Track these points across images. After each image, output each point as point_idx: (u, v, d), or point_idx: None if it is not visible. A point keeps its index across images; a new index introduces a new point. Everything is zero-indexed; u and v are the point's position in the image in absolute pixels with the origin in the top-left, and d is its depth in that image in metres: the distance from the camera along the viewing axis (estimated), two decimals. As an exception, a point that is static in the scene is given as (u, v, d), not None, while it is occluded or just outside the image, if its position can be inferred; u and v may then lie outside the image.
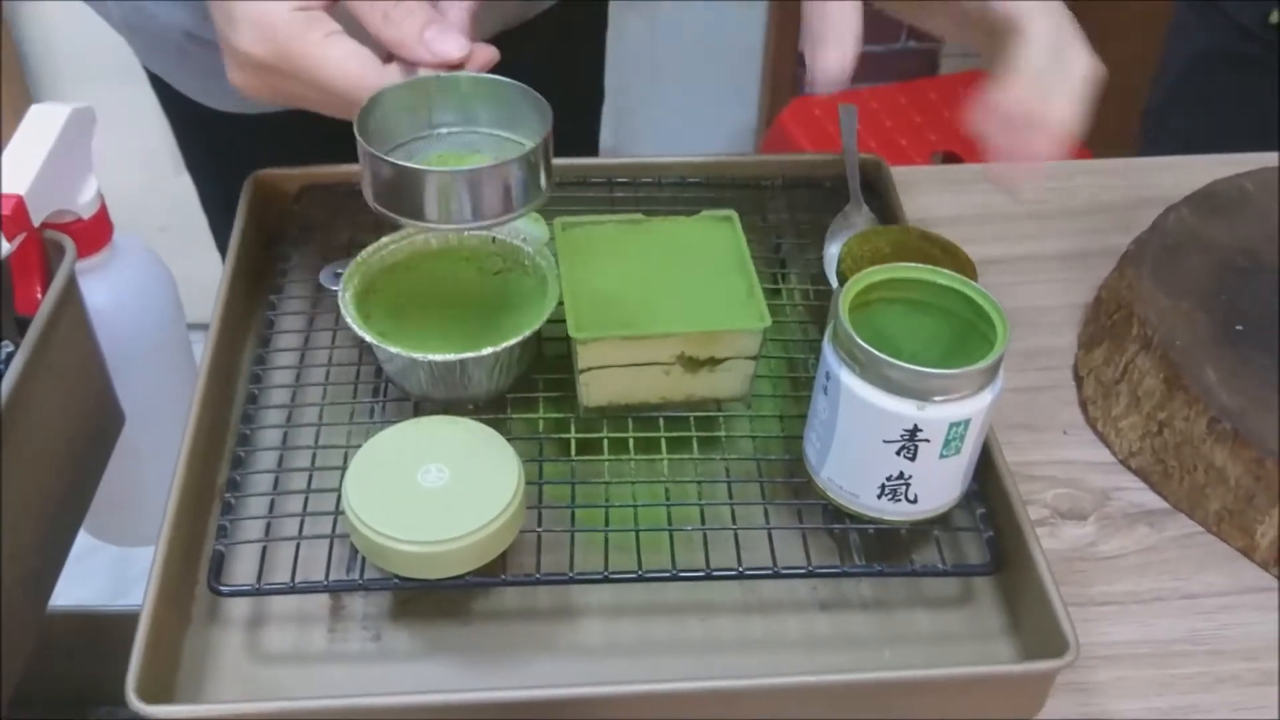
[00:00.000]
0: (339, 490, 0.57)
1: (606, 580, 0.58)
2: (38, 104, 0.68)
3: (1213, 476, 0.64)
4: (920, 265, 0.57)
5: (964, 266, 0.63)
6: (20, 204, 0.61)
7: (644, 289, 0.64)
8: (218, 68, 0.85)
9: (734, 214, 0.67)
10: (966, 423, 0.54)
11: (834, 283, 0.70)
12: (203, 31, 0.83)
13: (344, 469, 0.57)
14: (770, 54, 1.99)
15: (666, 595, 0.59)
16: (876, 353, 0.53)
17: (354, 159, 0.56)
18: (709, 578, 0.58)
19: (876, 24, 2.06)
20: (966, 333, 0.57)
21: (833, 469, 0.58)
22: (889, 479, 0.56)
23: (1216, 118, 1.15)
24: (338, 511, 0.58)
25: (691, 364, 0.62)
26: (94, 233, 0.70)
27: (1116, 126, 1.52)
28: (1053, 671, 0.54)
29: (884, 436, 0.55)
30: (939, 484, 0.57)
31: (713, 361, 0.62)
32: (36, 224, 0.63)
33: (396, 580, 0.56)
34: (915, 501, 0.57)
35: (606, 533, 0.59)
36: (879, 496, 0.57)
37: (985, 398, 0.54)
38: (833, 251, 0.73)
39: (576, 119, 1.07)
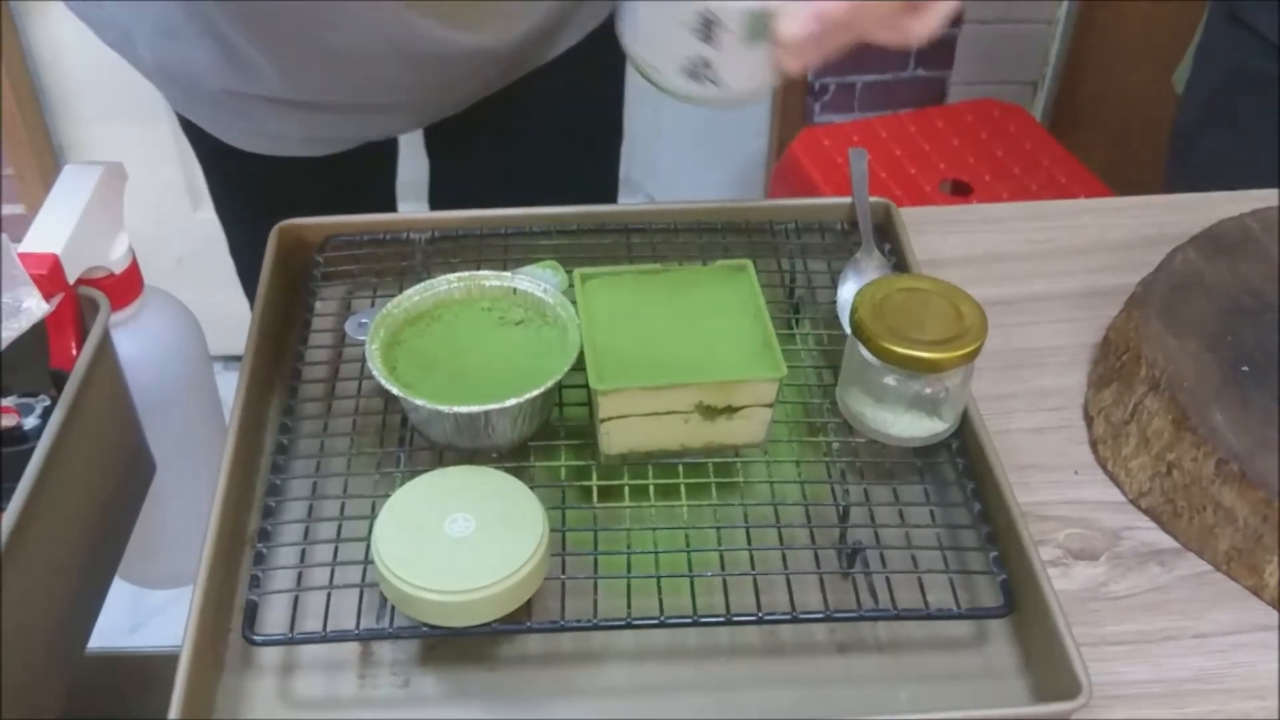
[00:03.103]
0: (368, 539, 0.59)
1: (629, 626, 0.59)
2: (71, 163, 0.70)
3: (1221, 517, 0.65)
4: None
5: (974, 314, 0.65)
6: (56, 263, 0.63)
7: (662, 339, 0.65)
8: (253, 112, 0.87)
9: (749, 263, 0.69)
10: (772, 9, 0.51)
11: (847, 329, 0.71)
12: (244, 87, 0.84)
13: (372, 518, 0.59)
14: (780, 86, 2.01)
15: (688, 639, 0.61)
16: None
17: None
18: (729, 622, 0.59)
19: (883, 53, 2.08)
20: None
21: (639, 46, 0.55)
22: (690, 60, 0.53)
23: (1247, 139, 1.15)
24: (367, 560, 0.60)
25: (710, 412, 0.64)
26: (125, 286, 0.71)
27: (1139, 155, 1.53)
28: (1066, 713, 0.55)
29: (679, 19, 0.51)
30: (746, 70, 0.54)
31: (730, 410, 0.64)
32: (71, 281, 0.65)
33: (425, 628, 0.57)
34: (722, 85, 0.54)
35: (629, 579, 0.60)
36: (682, 77, 0.54)
37: None
38: (845, 296, 0.74)
39: (596, 157, 1.09)
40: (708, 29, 0.52)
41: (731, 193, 2.13)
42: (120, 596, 0.78)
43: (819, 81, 1.99)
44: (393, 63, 0.83)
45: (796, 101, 2.02)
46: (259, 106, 0.86)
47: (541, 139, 1.02)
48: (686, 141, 2.03)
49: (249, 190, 0.98)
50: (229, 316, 1.04)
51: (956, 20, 1.96)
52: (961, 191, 1.76)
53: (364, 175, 1.01)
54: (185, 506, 0.77)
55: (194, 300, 0.82)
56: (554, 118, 1.01)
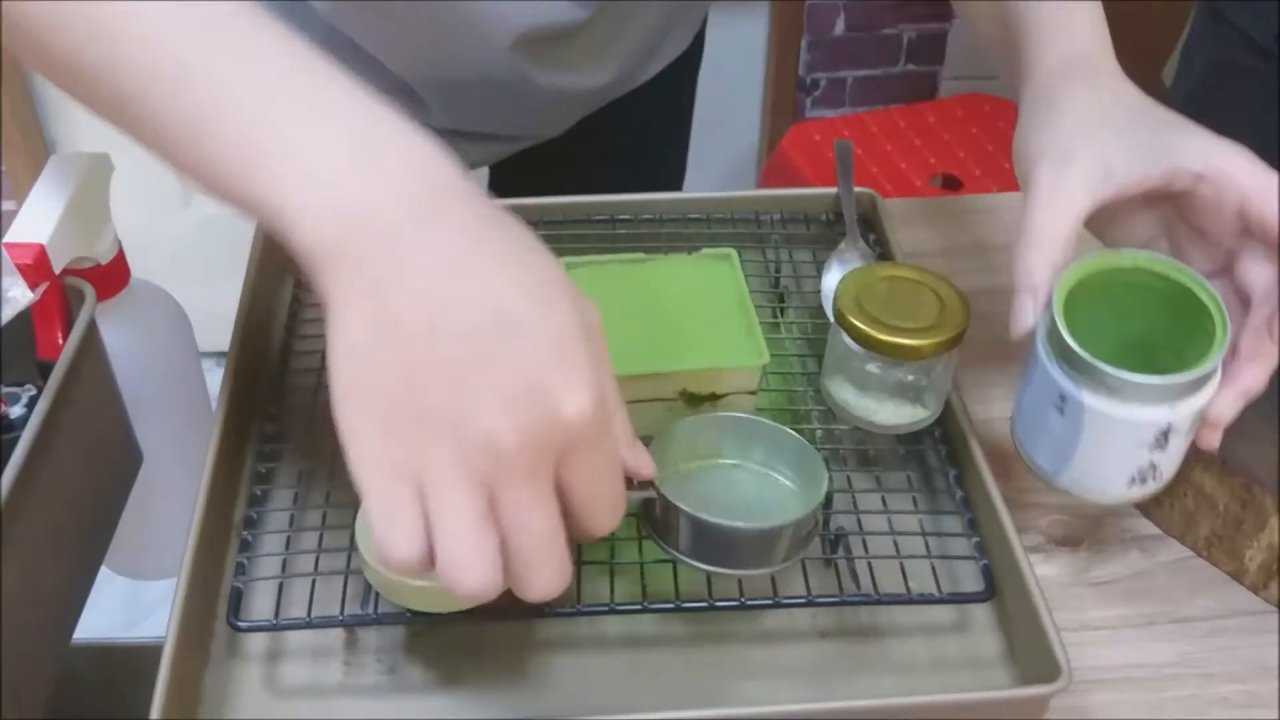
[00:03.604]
0: (353, 526, 0.59)
1: (613, 612, 0.59)
2: (57, 154, 0.70)
3: (1202, 503, 0.66)
4: (1117, 253, 0.59)
5: (957, 302, 0.65)
6: (42, 253, 0.63)
7: (646, 327, 0.66)
8: None
9: (733, 252, 0.69)
10: (1208, 402, 0.56)
11: (831, 317, 0.72)
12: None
13: (358, 505, 0.59)
14: (771, 81, 2.01)
15: (671, 625, 0.61)
16: (1128, 375, 0.54)
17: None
18: (712, 608, 0.59)
19: (875, 48, 2.09)
20: (1174, 313, 0.58)
21: (1075, 475, 0.59)
22: (1139, 470, 0.57)
23: (1230, 135, 1.16)
24: (352, 547, 0.60)
25: (693, 400, 0.64)
26: (112, 276, 0.72)
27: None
28: (1046, 696, 0.55)
29: (1137, 441, 0.56)
30: (1180, 458, 0.58)
31: (714, 397, 0.64)
32: (57, 271, 0.65)
33: (409, 614, 0.58)
34: (1160, 479, 0.59)
35: (612, 565, 0.61)
36: (1129, 486, 0.58)
37: (1219, 374, 0.56)
38: (829, 285, 0.75)
39: (661, 184, 1.09)
40: (1163, 439, 0.56)
41: (724, 188, 2.13)
42: (117, 592, 0.79)
43: (810, 77, 2.00)
44: (476, 96, 0.84)
45: (788, 97, 2.02)
46: None
47: (612, 167, 1.02)
48: (678, 137, 2.04)
49: None
50: (223, 313, 1.05)
51: (947, 15, 1.96)
52: (952, 186, 1.77)
53: None
54: (174, 497, 0.77)
55: (188, 297, 0.83)
56: (625, 146, 1.01)
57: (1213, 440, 0.58)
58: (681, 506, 0.56)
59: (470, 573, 0.43)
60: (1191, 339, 0.57)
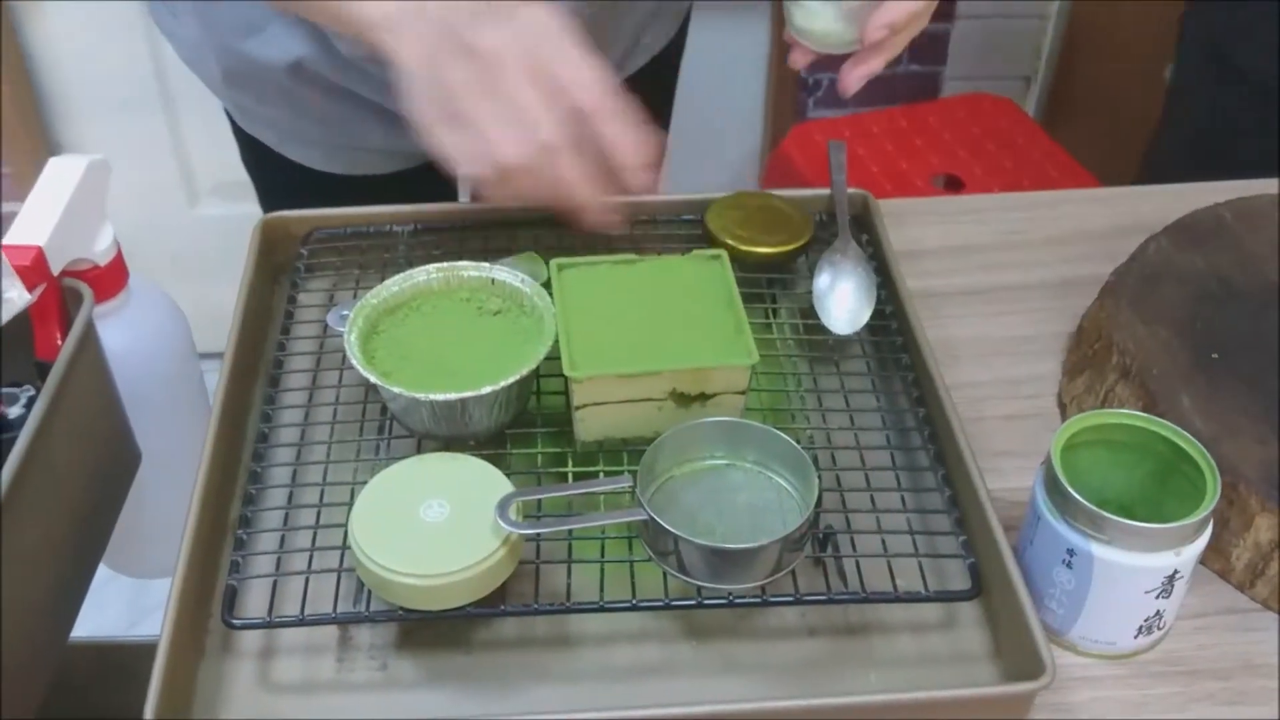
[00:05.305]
0: (346, 525, 0.60)
1: (602, 609, 0.60)
2: (56, 157, 0.71)
3: (1189, 501, 0.66)
4: (1112, 411, 0.62)
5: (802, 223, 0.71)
6: (40, 255, 0.64)
7: (637, 327, 0.66)
8: (328, 113, 0.87)
9: (723, 252, 0.70)
10: (1206, 545, 0.59)
11: (823, 319, 0.72)
12: (314, 61, 0.82)
13: (350, 505, 0.60)
14: (773, 81, 2.01)
15: (660, 622, 0.62)
16: (1137, 524, 0.56)
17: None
18: (700, 605, 0.60)
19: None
20: (1163, 462, 0.61)
21: (1084, 629, 0.61)
22: (1146, 619, 0.60)
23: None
24: (345, 546, 0.61)
25: (683, 399, 0.65)
26: (110, 278, 0.72)
27: (1130, 148, 1.53)
28: (1031, 693, 0.56)
29: (1145, 588, 0.58)
30: (1179, 605, 0.61)
31: (703, 396, 0.65)
32: (55, 273, 0.66)
33: (401, 612, 0.58)
34: (1164, 627, 0.61)
35: (602, 563, 0.61)
36: (1136, 636, 0.61)
37: (1211, 523, 0.59)
38: (822, 285, 0.75)
39: None
40: (1169, 585, 0.59)
41: (726, 188, 2.13)
42: (121, 592, 0.79)
43: (812, 77, 2.00)
44: None
45: (790, 97, 2.03)
46: (334, 100, 0.86)
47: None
48: (680, 138, 2.04)
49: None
50: (221, 313, 1.05)
51: (950, 15, 1.97)
52: (954, 186, 1.76)
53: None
54: (172, 496, 0.77)
55: (189, 297, 0.83)
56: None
57: (799, 62, 0.75)
58: (675, 532, 0.57)
59: (512, 133, 0.59)
60: (1167, 490, 0.60)
